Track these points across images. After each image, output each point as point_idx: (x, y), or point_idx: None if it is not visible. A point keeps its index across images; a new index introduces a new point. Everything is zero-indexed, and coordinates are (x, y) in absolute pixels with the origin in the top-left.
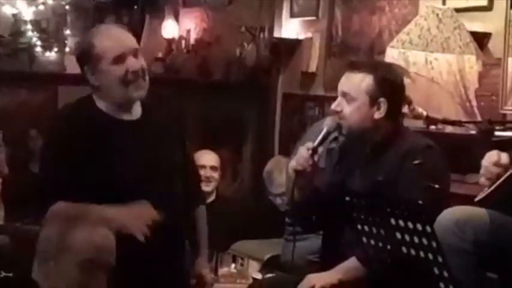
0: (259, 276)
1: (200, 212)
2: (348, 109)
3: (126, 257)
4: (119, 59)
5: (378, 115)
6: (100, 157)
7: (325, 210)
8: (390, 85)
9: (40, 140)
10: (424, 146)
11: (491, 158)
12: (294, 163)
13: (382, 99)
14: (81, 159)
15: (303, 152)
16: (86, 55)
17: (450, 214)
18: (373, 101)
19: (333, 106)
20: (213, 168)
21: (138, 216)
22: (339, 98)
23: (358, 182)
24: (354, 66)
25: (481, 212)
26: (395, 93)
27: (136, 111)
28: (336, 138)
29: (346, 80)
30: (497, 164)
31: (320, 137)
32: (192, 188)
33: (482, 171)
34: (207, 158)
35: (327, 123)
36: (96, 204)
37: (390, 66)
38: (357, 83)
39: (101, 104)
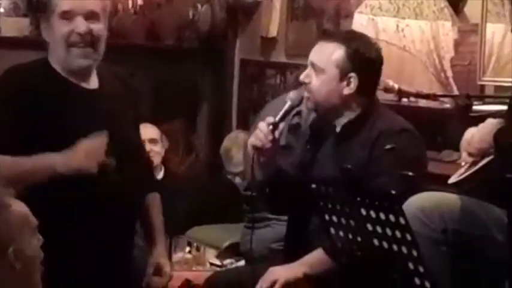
0: (217, 262)
1: (153, 199)
2: (316, 82)
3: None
4: (66, 14)
5: (347, 91)
6: (50, 121)
7: (290, 192)
8: (363, 59)
9: None
10: (399, 129)
11: (473, 132)
12: (252, 139)
13: (352, 74)
14: (28, 119)
15: (262, 127)
16: (41, 3)
17: (417, 200)
18: (343, 76)
19: (301, 77)
20: (152, 141)
21: (87, 154)
22: (308, 69)
23: (327, 165)
24: (327, 35)
25: (450, 198)
26: (368, 69)
27: (94, 81)
28: (298, 113)
29: (317, 50)
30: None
31: (282, 111)
32: (144, 172)
33: (464, 145)
34: (144, 132)
35: (290, 97)
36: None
37: (367, 38)
38: (327, 54)
39: (56, 66)
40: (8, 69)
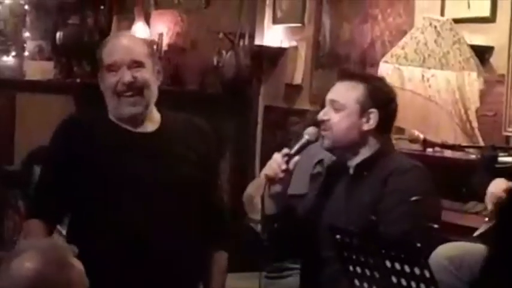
0: None
1: (219, 257)
2: (335, 118)
3: None
4: (111, 67)
5: (367, 127)
6: (96, 169)
7: (299, 233)
8: (382, 96)
9: None
10: (409, 167)
11: (499, 184)
12: (266, 168)
13: (373, 110)
14: (77, 169)
15: (277, 157)
16: (97, 59)
17: (444, 250)
18: (363, 111)
19: (320, 115)
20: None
21: None
22: (327, 107)
23: (340, 208)
24: (345, 75)
25: (478, 248)
26: (387, 106)
27: (151, 125)
28: (320, 162)
29: (336, 88)
30: (507, 191)
31: (298, 144)
32: (214, 220)
33: (488, 197)
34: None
35: (308, 132)
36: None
37: (383, 78)
38: (347, 90)
39: (111, 116)
40: (65, 118)
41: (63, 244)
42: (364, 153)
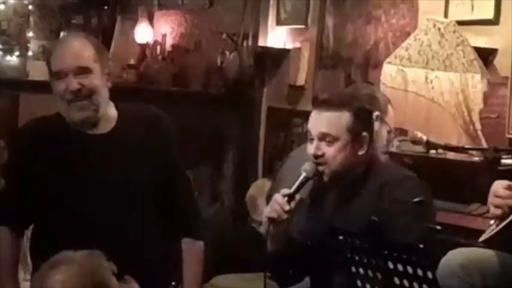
0: None
1: (187, 247)
2: (330, 152)
3: None
4: (59, 74)
5: (361, 152)
6: (53, 174)
7: (302, 261)
8: (368, 116)
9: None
10: (402, 177)
11: (501, 184)
12: (268, 210)
13: (364, 134)
14: (35, 176)
15: (278, 198)
16: (46, 65)
17: (456, 256)
18: (356, 137)
19: (312, 151)
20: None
21: None
22: (316, 142)
23: (336, 222)
24: (325, 104)
25: (489, 254)
26: (371, 124)
27: (105, 126)
28: None
29: (321, 120)
30: (509, 187)
31: (297, 183)
32: (175, 215)
33: (491, 199)
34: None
35: (305, 169)
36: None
37: (356, 92)
38: (336, 121)
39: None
40: (30, 119)
41: (103, 260)
42: (359, 170)
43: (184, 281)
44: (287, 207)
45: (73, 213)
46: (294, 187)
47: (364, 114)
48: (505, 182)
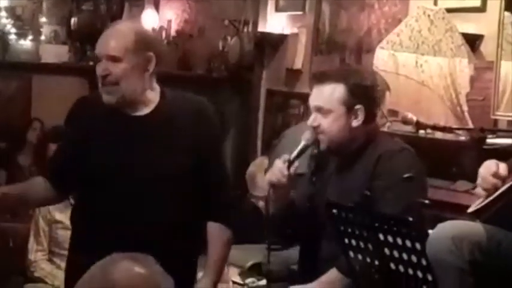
0: (239, 280)
1: (216, 232)
2: (325, 123)
3: None
4: (98, 57)
5: (355, 123)
6: (94, 148)
7: (300, 223)
8: (363, 90)
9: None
10: (398, 149)
11: (489, 168)
12: (269, 175)
13: (358, 106)
14: (80, 147)
15: (279, 164)
16: None
17: (446, 229)
18: (350, 110)
19: (309, 122)
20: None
21: None
22: (314, 114)
23: (334, 192)
24: (321, 78)
25: (479, 228)
26: (369, 98)
27: (148, 108)
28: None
29: (317, 94)
30: (495, 175)
31: (297, 150)
32: (211, 202)
33: (478, 181)
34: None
35: (305, 137)
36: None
37: (359, 70)
38: (329, 94)
39: None
40: (78, 98)
41: (159, 269)
42: (357, 143)
43: (209, 257)
44: (286, 172)
45: (110, 188)
46: (294, 153)
47: (359, 88)
48: (493, 167)
